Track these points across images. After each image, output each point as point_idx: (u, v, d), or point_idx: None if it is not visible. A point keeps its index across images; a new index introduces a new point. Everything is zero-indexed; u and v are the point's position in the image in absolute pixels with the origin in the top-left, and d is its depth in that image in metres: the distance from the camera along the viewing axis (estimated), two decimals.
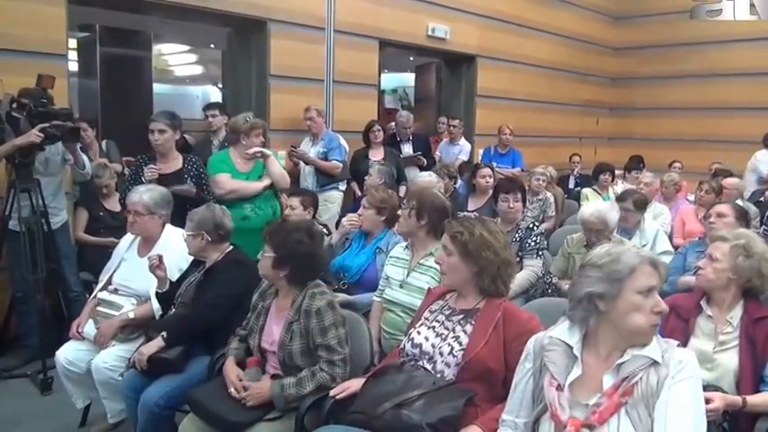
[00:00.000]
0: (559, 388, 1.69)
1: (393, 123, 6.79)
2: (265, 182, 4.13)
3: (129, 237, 3.31)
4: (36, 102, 3.64)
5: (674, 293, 2.83)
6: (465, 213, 4.44)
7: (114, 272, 3.23)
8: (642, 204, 4.33)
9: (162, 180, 3.71)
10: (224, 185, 4.01)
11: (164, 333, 2.70)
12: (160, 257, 2.90)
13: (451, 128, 6.82)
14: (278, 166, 4.20)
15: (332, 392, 2.26)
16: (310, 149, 5.53)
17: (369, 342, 2.58)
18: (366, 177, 4.78)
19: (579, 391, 1.67)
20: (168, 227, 3.25)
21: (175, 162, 3.90)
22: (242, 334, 2.63)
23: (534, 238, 3.71)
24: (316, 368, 2.34)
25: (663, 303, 1.67)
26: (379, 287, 3.11)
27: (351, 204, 5.47)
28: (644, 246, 4.19)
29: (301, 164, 5.56)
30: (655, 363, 1.62)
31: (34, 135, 3.55)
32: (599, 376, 1.66)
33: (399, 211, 3.25)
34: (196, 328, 2.74)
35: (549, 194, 5.92)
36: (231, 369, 2.49)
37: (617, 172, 7.03)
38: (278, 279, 2.48)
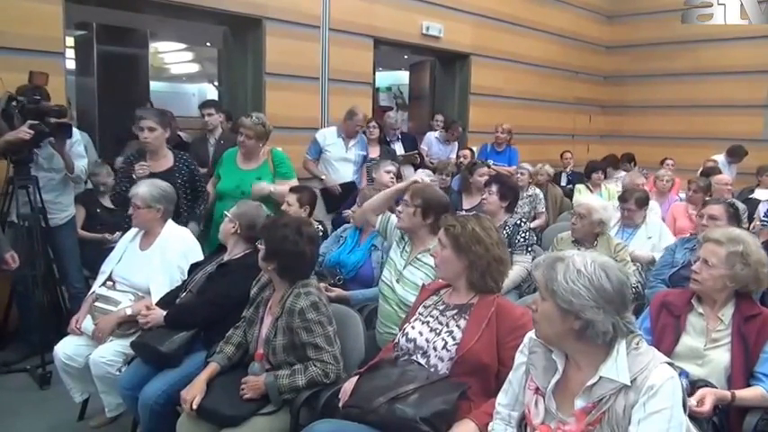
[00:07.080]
0: (538, 391, 1.68)
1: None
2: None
3: (134, 230, 3.32)
4: (29, 98, 3.64)
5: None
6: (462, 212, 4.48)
7: (116, 264, 3.23)
8: (645, 201, 4.44)
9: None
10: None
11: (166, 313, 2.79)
12: None
13: (437, 123, 7.02)
14: (284, 189, 3.98)
15: (340, 399, 2.20)
16: (347, 151, 5.40)
17: (363, 337, 2.58)
18: (376, 174, 4.76)
19: (561, 400, 1.65)
20: (170, 223, 3.25)
21: (166, 160, 3.82)
22: (233, 335, 2.61)
23: (523, 234, 3.74)
24: (309, 363, 2.35)
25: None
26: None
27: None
28: (649, 239, 4.33)
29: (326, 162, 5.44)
30: (625, 386, 1.55)
31: (23, 131, 3.53)
32: (576, 390, 1.62)
33: (399, 208, 3.23)
34: (195, 320, 2.76)
35: (538, 190, 5.95)
36: (202, 377, 2.43)
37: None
38: (269, 271, 2.51)
